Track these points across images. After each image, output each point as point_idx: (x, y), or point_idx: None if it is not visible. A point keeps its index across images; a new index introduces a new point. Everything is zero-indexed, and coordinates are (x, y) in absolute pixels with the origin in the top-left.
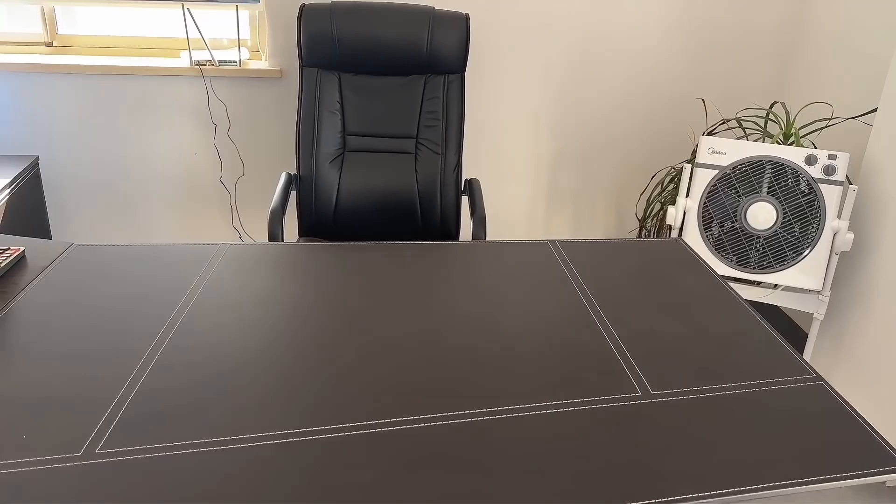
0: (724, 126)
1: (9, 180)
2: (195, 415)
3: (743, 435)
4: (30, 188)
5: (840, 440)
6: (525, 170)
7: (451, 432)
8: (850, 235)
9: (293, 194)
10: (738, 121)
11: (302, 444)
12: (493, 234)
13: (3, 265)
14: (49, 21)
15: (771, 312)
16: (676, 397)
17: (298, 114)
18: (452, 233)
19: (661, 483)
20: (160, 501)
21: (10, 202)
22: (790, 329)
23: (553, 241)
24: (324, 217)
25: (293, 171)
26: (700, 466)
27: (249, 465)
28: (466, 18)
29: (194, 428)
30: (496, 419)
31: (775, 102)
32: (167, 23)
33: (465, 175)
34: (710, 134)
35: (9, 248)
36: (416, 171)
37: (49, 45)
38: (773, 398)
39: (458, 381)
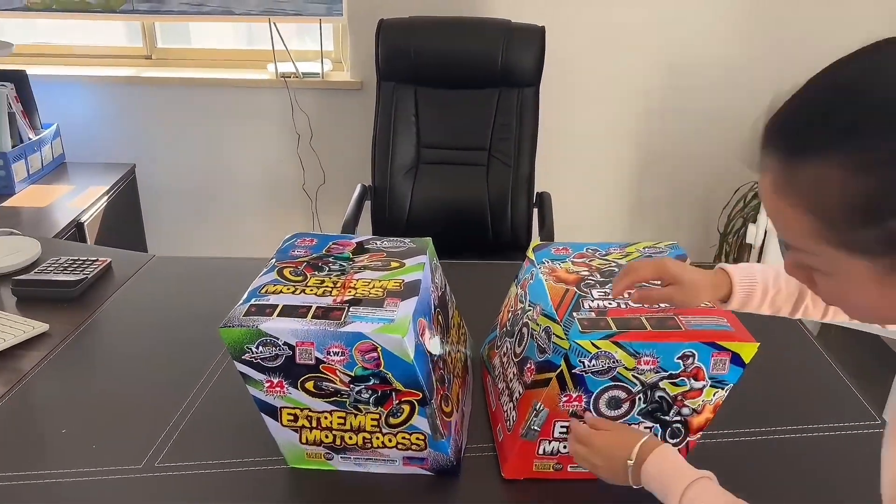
0: None
1: (108, 186)
2: (250, 433)
3: (794, 482)
4: (127, 194)
5: None
6: (605, 181)
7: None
8: None
9: (367, 204)
10: None
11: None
12: None
13: (90, 276)
14: (148, 36)
15: (871, 341)
16: (725, 440)
17: (375, 126)
18: (524, 245)
19: None
20: None
21: (109, 207)
22: (890, 360)
23: None
24: (396, 228)
25: (370, 181)
26: None
27: (305, 483)
28: (542, 31)
29: (248, 447)
30: None
31: None
32: (255, 36)
33: (540, 185)
34: None
35: (97, 260)
36: (487, 183)
37: (148, 58)
38: (833, 444)
39: None
